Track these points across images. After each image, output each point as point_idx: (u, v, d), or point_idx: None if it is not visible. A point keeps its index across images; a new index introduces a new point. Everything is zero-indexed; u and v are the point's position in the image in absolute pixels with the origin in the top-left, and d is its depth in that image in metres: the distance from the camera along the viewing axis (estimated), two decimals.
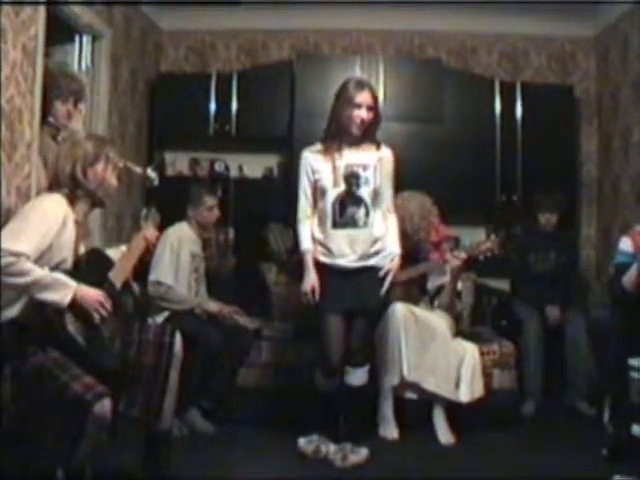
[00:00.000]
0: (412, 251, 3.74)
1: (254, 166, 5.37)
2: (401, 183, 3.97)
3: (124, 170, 2.71)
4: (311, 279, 3.11)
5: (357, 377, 3.18)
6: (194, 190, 3.86)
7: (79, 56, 4.22)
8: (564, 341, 4.09)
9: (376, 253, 3.14)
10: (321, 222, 3.15)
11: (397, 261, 3.20)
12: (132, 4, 4.82)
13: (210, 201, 3.83)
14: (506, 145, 5.09)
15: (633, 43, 4.74)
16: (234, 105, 5.16)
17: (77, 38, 4.19)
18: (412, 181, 3.80)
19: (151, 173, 2.90)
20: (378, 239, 3.14)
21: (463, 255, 3.58)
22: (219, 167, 5.35)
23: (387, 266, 3.14)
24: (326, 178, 3.10)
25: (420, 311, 3.57)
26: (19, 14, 2.94)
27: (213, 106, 5.17)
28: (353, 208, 3.09)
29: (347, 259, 3.10)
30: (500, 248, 3.61)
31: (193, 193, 3.84)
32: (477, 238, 4.39)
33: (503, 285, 4.69)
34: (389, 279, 3.14)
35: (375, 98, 3.14)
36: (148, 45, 5.28)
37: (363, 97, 3.08)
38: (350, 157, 3.12)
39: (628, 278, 3.15)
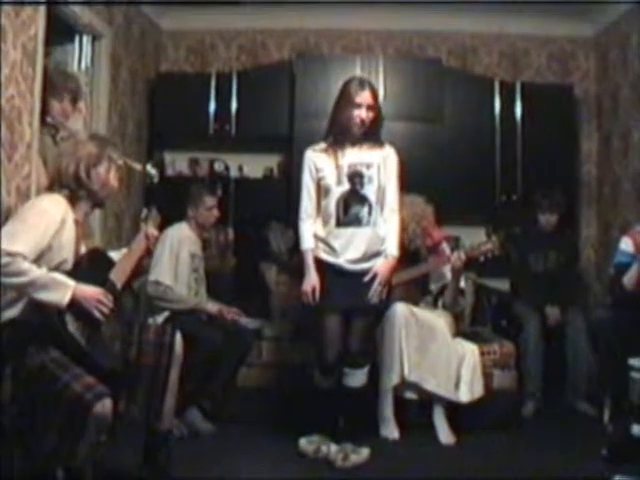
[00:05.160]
0: (411, 255, 3.74)
1: (254, 166, 5.37)
2: (401, 183, 3.99)
3: (125, 169, 2.71)
4: (312, 278, 3.10)
5: (356, 379, 3.16)
6: (194, 190, 3.85)
7: (79, 56, 4.22)
8: (564, 341, 4.09)
9: (379, 253, 3.12)
10: (324, 221, 3.13)
11: (391, 262, 3.13)
12: (132, 4, 4.82)
13: (210, 201, 3.83)
14: (506, 145, 5.09)
15: (633, 43, 4.74)
16: (234, 105, 5.16)
17: (77, 38, 4.19)
18: (412, 181, 3.77)
19: (151, 170, 2.90)
20: (382, 238, 3.12)
21: (463, 256, 3.58)
22: (219, 167, 5.35)
23: (374, 268, 3.08)
24: (330, 176, 3.09)
25: (420, 311, 3.57)
26: (19, 14, 2.94)
27: (213, 106, 5.17)
28: (357, 207, 3.07)
29: (350, 258, 3.08)
30: (500, 248, 3.61)
31: (193, 193, 3.83)
32: (477, 238, 4.39)
33: (503, 285, 4.68)
34: (379, 280, 3.07)
35: (376, 97, 3.13)
36: (148, 45, 5.28)
37: (363, 97, 3.07)
38: (353, 156, 3.10)
39: (629, 278, 3.16)
